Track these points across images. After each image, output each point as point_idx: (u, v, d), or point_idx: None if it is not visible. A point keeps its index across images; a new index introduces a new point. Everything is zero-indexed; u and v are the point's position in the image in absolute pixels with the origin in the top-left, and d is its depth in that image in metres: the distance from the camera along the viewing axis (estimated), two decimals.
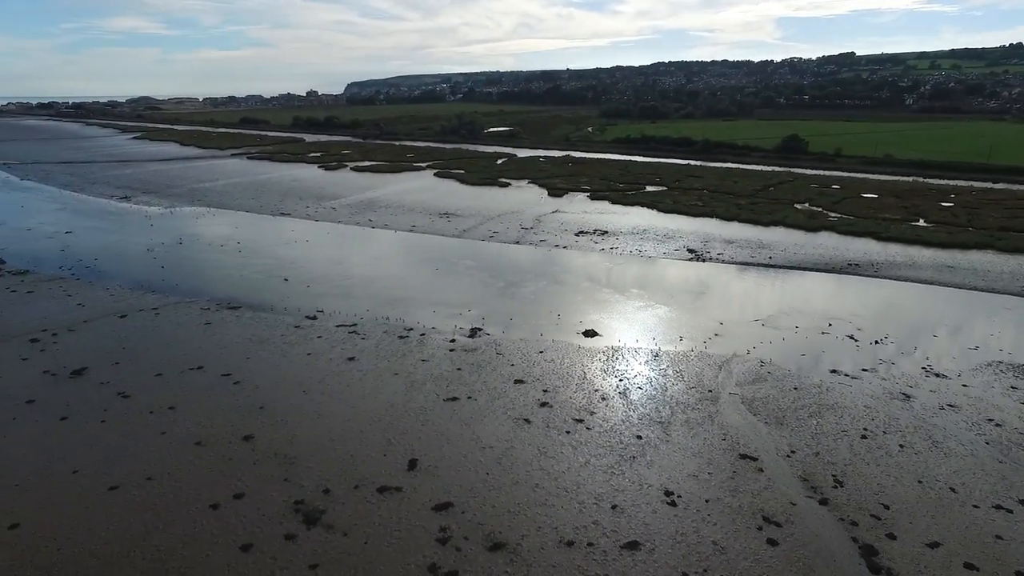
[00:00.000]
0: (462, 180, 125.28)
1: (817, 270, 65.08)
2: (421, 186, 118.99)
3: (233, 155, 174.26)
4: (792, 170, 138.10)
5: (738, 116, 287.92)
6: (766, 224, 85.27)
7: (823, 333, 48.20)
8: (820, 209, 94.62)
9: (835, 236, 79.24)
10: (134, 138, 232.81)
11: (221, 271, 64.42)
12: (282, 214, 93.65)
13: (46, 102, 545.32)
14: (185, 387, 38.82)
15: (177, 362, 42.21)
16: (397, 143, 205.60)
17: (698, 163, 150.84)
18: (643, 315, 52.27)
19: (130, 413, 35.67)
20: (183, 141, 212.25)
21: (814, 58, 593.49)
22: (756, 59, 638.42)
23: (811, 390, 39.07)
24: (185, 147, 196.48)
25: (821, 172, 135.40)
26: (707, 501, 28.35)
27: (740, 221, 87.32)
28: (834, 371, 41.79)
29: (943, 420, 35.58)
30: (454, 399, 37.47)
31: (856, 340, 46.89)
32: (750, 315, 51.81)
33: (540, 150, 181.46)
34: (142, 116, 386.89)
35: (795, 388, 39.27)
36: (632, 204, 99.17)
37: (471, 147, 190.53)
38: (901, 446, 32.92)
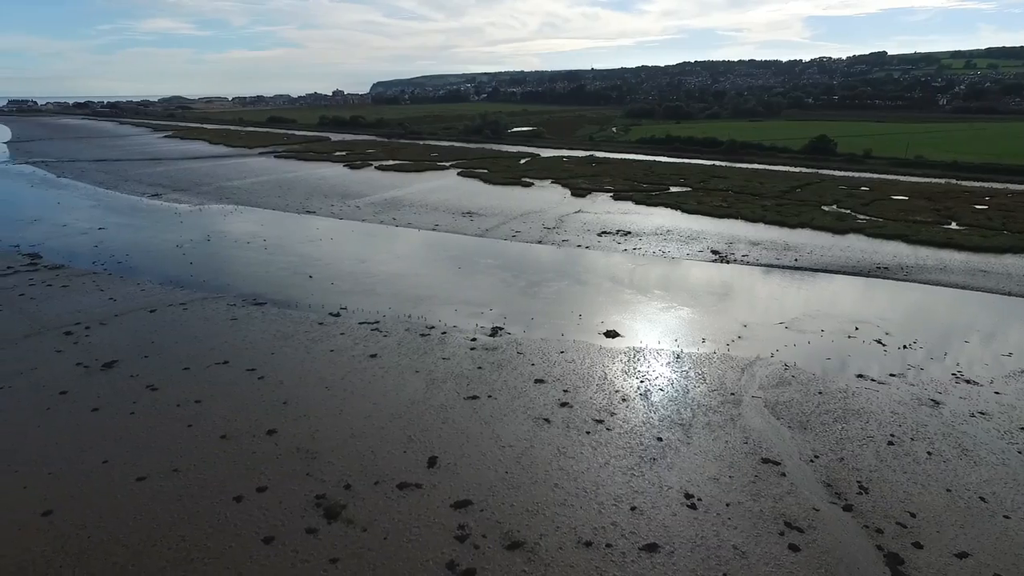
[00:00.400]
0: (485, 179, 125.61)
1: (844, 273, 63.95)
2: (444, 185, 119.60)
3: (260, 154, 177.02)
4: (820, 171, 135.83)
5: (765, 116, 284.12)
6: (792, 226, 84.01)
7: (849, 337, 47.36)
8: (848, 211, 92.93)
9: (863, 239, 77.77)
10: (165, 137, 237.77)
11: (247, 268, 65.50)
12: (307, 212, 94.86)
13: (82, 102, 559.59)
14: (211, 381, 39.57)
15: (204, 356, 43.05)
16: (421, 142, 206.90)
17: (723, 164, 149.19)
18: (665, 316, 51.89)
19: (158, 406, 36.48)
20: (212, 140, 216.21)
21: (844, 58, 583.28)
22: (784, 59, 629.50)
23: (836, 395, 38.42)
24: (214, 145, 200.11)
25: (850, 174, 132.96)
26: (728, 505, 28.07)
27: (766, 223, 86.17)
28: (860, 376, 41.04)
29: (973, 428, 34.73)
30: (474, 397, 37.62)
31: (884, 345, 45.98)
32: (774, 318, 51.11)
33: (563, 150, 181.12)
34: (173, 115, 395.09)
35: (820, 392, 38.65)
36: (656, 205, 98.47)
37: (495, 147, 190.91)
38: (929, 453, 32.22)
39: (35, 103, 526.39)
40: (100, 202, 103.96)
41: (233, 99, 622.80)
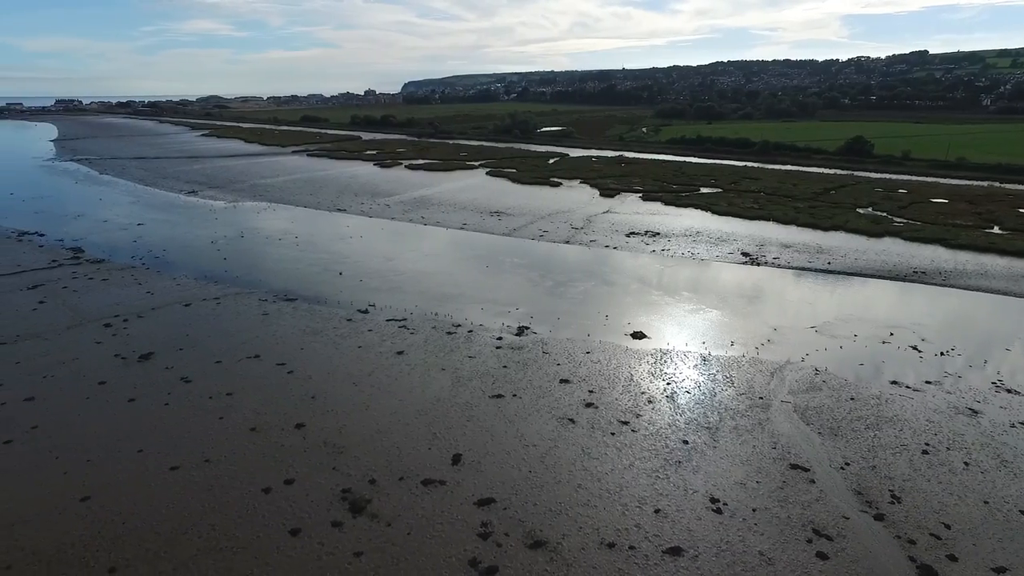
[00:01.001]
0: (513, 179, 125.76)
1: (879, 277, 62.43)
2: (473, 184, 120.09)
3: (294, 152, 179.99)
4: (855, 173, 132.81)
5: (799, 117, 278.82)
6: (826, 229, 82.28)
7: (884, 343, 46.23)
8: (884, 214, 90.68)
9: (900, 242, 75.81)
10: (203, 135, 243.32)
11: (279, 264, 66.71)
12: (338, 210, 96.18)
13: (124, 101, 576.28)
14: (242, 375, 40.42)
15: (236, 350, 43.99)
16: (451, 142, 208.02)
17: (756, 165, 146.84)
18: (693, 318, 51.33)
19: (191, 397, 37.40)
20: (248, 138, 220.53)
21: (883, 57, 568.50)
22: (820, 58, 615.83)
23: (869, 401, 37.55)
24: (249, 144, 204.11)
25: (887, 176, 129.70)
26: (754, 510, 27.67)
27: (798, 225, 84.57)
28: (895, 382, 40.04)
29: (1014, 439, 33.61)
30: (499, 396, 37.73)
31: (920, 351, 44.78)
32: (806, 321, 50.16)
33: (593, 150, 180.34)
34: (211, 114, 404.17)
35: (852, 398, 37.82)
36: (685, 206, 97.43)
37: (524, 146, 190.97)
38: (966, 464, 31.28)
39: (80, 103, 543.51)
40: (139, 198, 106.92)
41: (268, 98, 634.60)
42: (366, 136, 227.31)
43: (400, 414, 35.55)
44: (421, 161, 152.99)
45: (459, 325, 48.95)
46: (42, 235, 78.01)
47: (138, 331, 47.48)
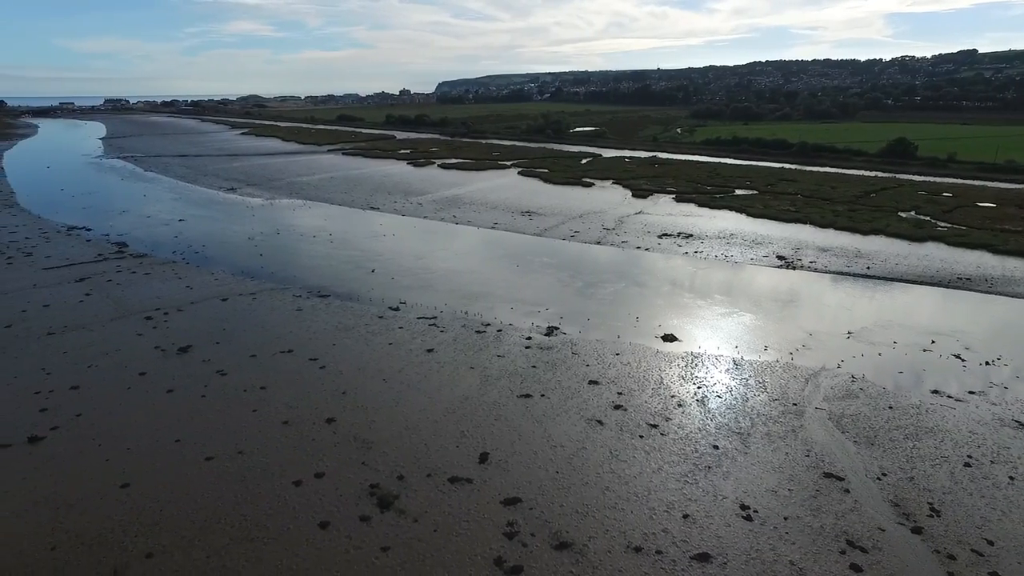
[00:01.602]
0: (545, 179, 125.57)
1: (921, 283, 60.52)
2: (505, 184, 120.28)
3: (329, 151, 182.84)
4: (898, 176, 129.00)
5: (840, 118, 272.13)
6: (865, 232, 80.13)
7: (925, 351, 44.82)
8: (927, 218, 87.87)
9: (944, 247, 73.36)
10: (242, 134, 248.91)
11: (313, 260, 67.84)
12: (371, 208, 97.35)
13: (168, 100, 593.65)
14: (276, 369, 41.22)
15: (270, 345, 44.88)
16: (484, 141, 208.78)
17: (793, 167, 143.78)
18: (726, 322, 50.53)
19: (227, 390, 38.29)
20: (285, 137, 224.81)
21: (929, 56, 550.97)
22: (863, 58, 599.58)
23: (908, 410, 36.46)
24: (286, 143, 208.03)
25: (931, 179, 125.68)
26: (786, 519, 27.11)
27: (836, 228, 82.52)
28: (936, 392, 38.78)
29: None
30: (527, 396, 37.73)
31: (963, 360, 43.28)
32: (842, 327, 48.93)
33: (626, 151, 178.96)
34: (250, 113, 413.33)
35: (890, 407, 36.76)
36: (719, 208, 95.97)
37: (556, 146, 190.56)
38: (1011, 478, 30.12)
39: (128, 102, 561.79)
40: (181, 195, 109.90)
41: (305, 98, 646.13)
42: (400, 135, 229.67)
43: (429, 411, 35.82)
44: (454, 160, 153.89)
45: (488, 324, 49.09)
46: (89, 230, 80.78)
47: (177, 324, 48.81)
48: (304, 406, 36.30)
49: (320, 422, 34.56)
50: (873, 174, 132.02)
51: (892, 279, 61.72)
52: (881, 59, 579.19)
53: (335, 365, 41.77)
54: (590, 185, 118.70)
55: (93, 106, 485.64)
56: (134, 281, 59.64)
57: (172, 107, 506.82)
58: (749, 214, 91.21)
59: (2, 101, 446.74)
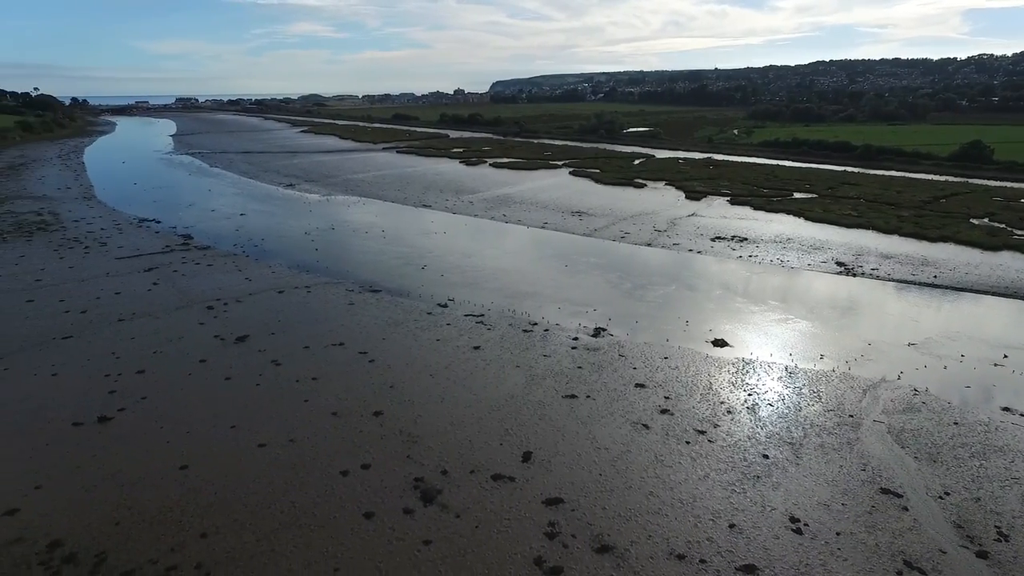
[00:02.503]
0: (597, 179, 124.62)
1: (994, 294, 57.20)
2: (556, 184, 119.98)
3: (384, 149, 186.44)
4: (970, 180, 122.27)
5: (908, 120, 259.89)
6: (933, 239, 76.30)
7: (996, 365, 42.36)
8: (1003, 225, 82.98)
9: (1021, 257, 69.15)
10: (302, 131, 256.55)
11: (366, 256, 69.34)
12: (423, 206, 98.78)
13: (234, 99, 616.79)
14: (327, 361, 42.34)
15: (322, 337, 46.12)
16: (536, 141, 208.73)
17: (856, 170, 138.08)
18: (780, 328, 49.03)
19: (280, 380, 39.56)
20: (342, 135, 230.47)
21: (1009, 55, 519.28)
22: (935, 57, 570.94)
23: (975, 427, 34.55)
24: (343, 140, 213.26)
25: (1008, 184, 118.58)
26: (838, 534, 26.11)
27: (901, 235, 78.88)
28: (1007, 409, 36.60)
29: None
30: (572, 397, 37.56)
31: None
32: (905, 338, 46.75)
33: (680, 151, 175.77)
34: (310, 111, 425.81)
35: (955, 423, 34.92)
36: (776, 211, 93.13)
37: (609, 147, 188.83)
38: None
39: (197, 100, 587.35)
40: (243, 190, 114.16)
41: (363, 97, 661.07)
42: (453, 134, 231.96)
43: (474, 408, 36.10)
44: (505, 160, 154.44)
45: (535, 323, 49.10)
46: (158, 222, 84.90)
47: (236, 314, 50.72)
48: (353, 398, 37.17)
49: (368, 415, 35.29)
50: (943, 178, 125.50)
51: (961, 289, 58.57)
52: (956, 58, 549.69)
53: (384, 359, 42.58)
54: (642, 186, 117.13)
55: (165, 104, 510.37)
56: (197, 272, 62.29)
57: (238, 105, 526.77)
58: (807, 218, 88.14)
59: (85, 100, 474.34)
